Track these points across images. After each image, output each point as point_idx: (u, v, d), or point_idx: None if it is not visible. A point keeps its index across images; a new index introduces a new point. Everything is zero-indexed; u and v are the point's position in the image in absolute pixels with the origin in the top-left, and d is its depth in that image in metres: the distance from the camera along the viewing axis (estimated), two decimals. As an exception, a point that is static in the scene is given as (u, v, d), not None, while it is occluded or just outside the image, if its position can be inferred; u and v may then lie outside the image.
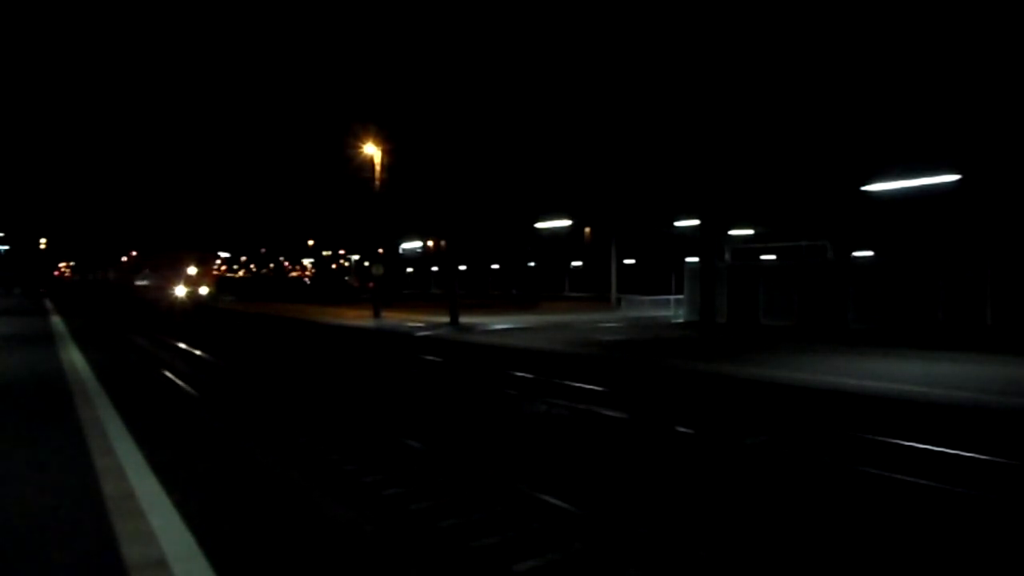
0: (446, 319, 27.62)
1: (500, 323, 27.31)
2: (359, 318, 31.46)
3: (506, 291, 66.74)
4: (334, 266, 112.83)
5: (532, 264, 66.95)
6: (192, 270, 29.47)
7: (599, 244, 53.14)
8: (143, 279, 36.43)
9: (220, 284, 64.52)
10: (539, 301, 48.64)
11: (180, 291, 26.93)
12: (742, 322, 23.38)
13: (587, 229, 59.77)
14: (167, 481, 5.59)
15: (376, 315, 31.83)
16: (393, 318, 31.18)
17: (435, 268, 79.93)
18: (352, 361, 17.86)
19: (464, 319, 27.74)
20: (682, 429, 9.39)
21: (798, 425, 9.59)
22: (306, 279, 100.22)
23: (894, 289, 19.50)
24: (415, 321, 29.16)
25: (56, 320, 27.79)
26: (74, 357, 14.42)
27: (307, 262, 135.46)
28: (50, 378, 11.36)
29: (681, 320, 27.20)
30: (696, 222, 26.35)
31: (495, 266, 74.39)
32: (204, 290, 30.32)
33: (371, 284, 39.05)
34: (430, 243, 72.12)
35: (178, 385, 12.35)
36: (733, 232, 30.53)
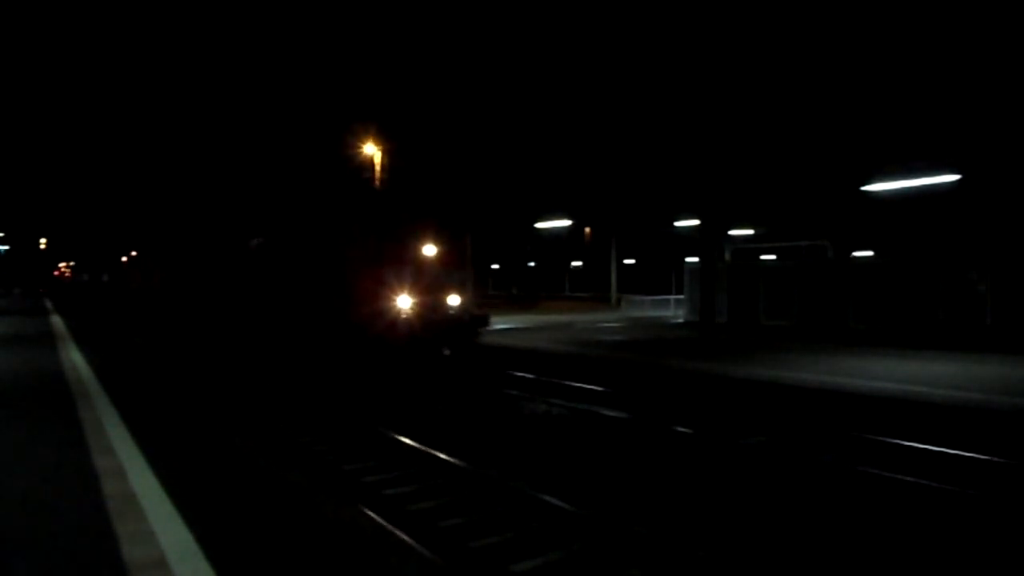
0: (446, 319, 27.52)
1: (500, 323, 27.29)
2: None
3: (506, 291, 66.79)
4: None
5: (532, 264, 66.96)
6: (430, 249, 14.63)
7: (599, 244, 53.13)
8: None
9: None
10: (539, 301, 48.66)
11: (403, 302, 13.86)
12: (742, 322, 23.39)
13: (587, 229, 59.77)
14: (167, 481, 5.59)
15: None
16: (393, 318, 31.06)
17: (435, 268, 79.76)
18: (349, 360, 17.81)
19: (464, 319, 27.67)
20: (681, 429, 9.40)
21: (797, 425, 9.59)
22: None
23: (894, 289, 19.51)
24: (415, 321, 29.07)
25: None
26: (69, 352, 14.42)
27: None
28: (49, 378, 11.35)
29: (681, 320, 27.21)
30: (696, 222, 26.35)
31: (495, 266, 74.43)
32: (455, 300, 14.83)
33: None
34: (430, 243, 71.92)
35: (173, 381, 12.35)
36: (733, 232, 30.52)
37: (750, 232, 32.65)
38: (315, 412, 10.68)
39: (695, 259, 25.00)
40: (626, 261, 53.85)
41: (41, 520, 4.79)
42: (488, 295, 66.37)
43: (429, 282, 14.09)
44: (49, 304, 43.01)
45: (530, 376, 14.00)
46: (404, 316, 13.50)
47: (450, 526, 6.01)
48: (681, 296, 28.53)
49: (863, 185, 20.53)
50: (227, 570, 3.93)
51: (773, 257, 34.48)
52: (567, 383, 12.99)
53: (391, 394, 12.38)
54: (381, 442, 8.70)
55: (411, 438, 8.57)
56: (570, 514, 5.95)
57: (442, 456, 7.72)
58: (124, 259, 71.95)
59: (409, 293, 13.68)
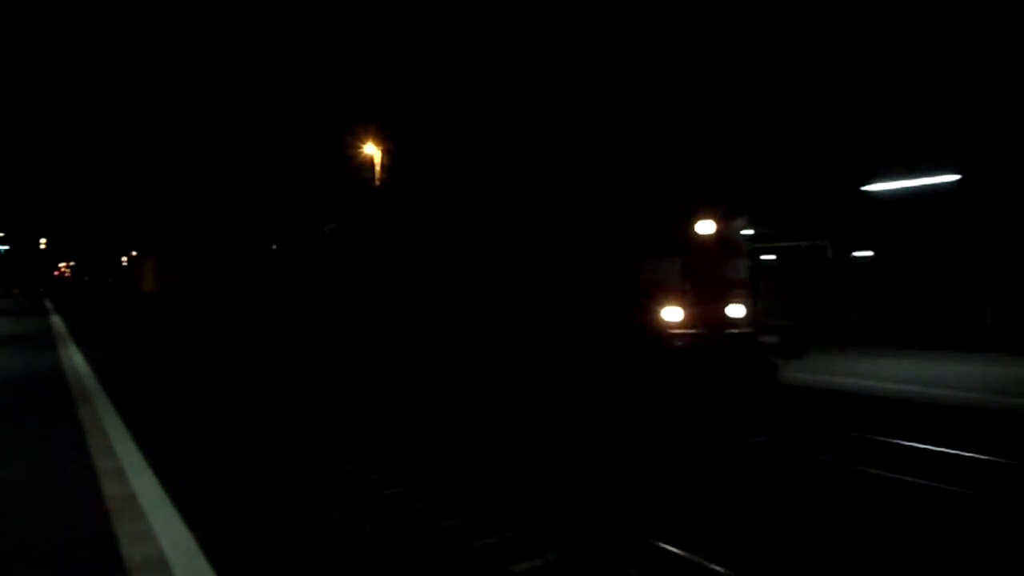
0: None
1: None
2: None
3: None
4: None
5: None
6: (707, 228, 8.72)
7: (599, 244, 52.96)
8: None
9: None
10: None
11: (672, 314, 8.00)
12: (742, 322, 23.36)
13: (587, 229, 59.58)
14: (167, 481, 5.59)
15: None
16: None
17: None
18: (343, 360, 17.84)
19: (464, 319, 27.57)
20: (681, 429, 9.40)
21: (798, 425, 9.59)
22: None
23: (894, 289, 19.51)
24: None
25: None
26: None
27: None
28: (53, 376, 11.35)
29: (681, 320, 27.17)
30: (696, 222, 26.29)
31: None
32: (739, 311, 8.81)
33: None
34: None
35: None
36: (733, 232, 30.47)
37: (750, 232, 32.59)
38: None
39: (695, 259, 24.94)
40: (626, 261, 53.64)
41: (41, 520, 4.79)
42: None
43: (707, 283, 8.85)
44: (50, 304, 42.93)
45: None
46: (674, 337, 8.44)
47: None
48: (681, 296, 28.51)
49: (863, 185, 20.53)
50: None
51: (773, 257, 34.42)
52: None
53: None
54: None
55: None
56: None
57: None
58: (124, 259, 71.30)
59: (678, 302, 8.56)
